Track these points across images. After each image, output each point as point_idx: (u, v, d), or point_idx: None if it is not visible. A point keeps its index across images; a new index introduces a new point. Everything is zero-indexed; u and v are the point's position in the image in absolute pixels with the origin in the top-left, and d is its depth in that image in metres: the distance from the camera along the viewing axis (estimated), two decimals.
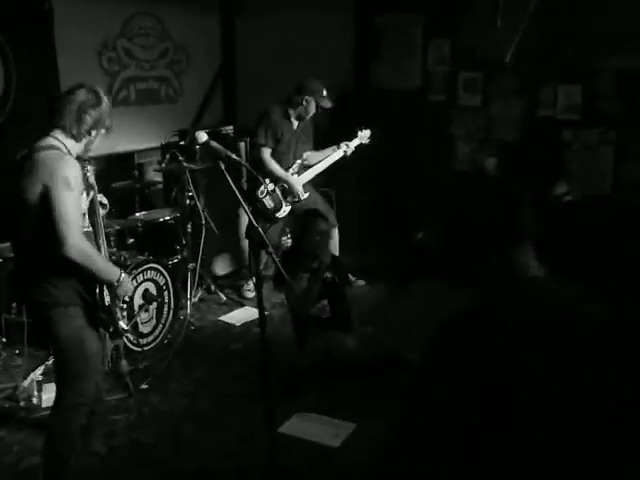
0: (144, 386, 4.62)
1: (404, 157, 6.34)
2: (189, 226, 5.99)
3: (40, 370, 4.58)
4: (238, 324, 5.73)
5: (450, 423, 3.93)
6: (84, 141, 3.26)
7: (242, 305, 6.12)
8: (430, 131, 7.06)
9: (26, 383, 4.46)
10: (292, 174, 5.94)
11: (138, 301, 4.97)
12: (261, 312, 3.20)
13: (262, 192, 5.84)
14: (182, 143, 6.37)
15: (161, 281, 5.19)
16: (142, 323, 5.06)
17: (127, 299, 3.57)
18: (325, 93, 5.83)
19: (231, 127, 6.82)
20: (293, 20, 7.50)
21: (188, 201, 5.93)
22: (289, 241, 6.58)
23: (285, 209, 5.94)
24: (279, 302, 5.99)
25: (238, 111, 8.30)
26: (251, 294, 6.15)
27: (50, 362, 4.65)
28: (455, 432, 3.82)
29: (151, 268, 5.09)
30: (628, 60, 5.95)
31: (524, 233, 3.90)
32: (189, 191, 5.89)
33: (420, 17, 7.13)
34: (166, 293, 5.26)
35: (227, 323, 5.78)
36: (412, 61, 7.27)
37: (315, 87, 5.81)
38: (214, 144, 3.31)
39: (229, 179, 3.20)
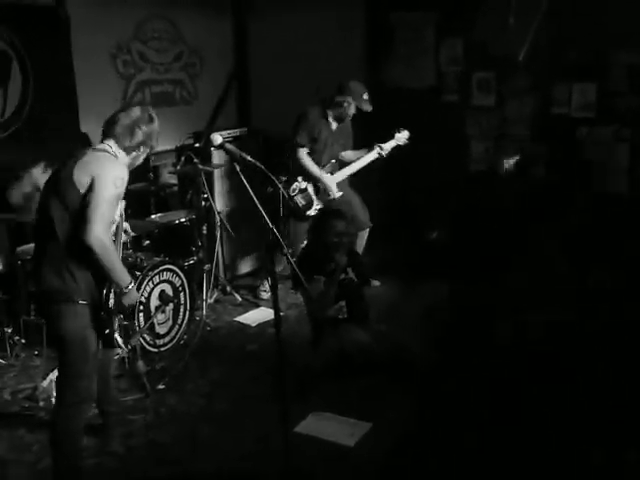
0: (161, 386, 4.66)
1: (417, 157, 6.34)
2: (204, 228, 6.03)
3: None
4: (254, 325, 5.76)
5: (460, 418, 3.97)
6: (132, 155, 3.47)
7: (257, 306, 6.15)
8: (443, 131, 7.07)
9: (45, 383, 4.50)
10: (326, 173, 5.94)
11: (155, 302, 5.01)
12: (277, 313, 3.23)
13: (294, 190, 5.84)
14: (197, 145, 6.40)
15: (177, 282, 5.23)
16: (159, 324, 5.10)
17: (127, 313, 3.67)
18: (367, 96, 5.82)
19: (245, 129, 6.83)
20: (305, 20, 7.52)
21: (203, 203, 5.96)
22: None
23: (316, 208, 5.92)
24: (295, 303, 6.02)
25: (252, 113, 8.33)
26: (266, 295, 6.16)
27: None
28: (464, 427, 3.86)
29: (167, 270, 5.13)
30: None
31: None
32: (204, 193, 5.93)
33: (432, 15, 7.14)
34: (182, 294, 5.29)
35: (243, 324, 5.81)
36: (424, 60, 7.28)
37: (357, 89, 5.81)
38: (229, 146, 3.34)
39: (244, 181, 3.23)
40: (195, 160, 5.75)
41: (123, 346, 3.73)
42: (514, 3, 6.06)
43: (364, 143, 6.24)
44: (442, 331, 5.19)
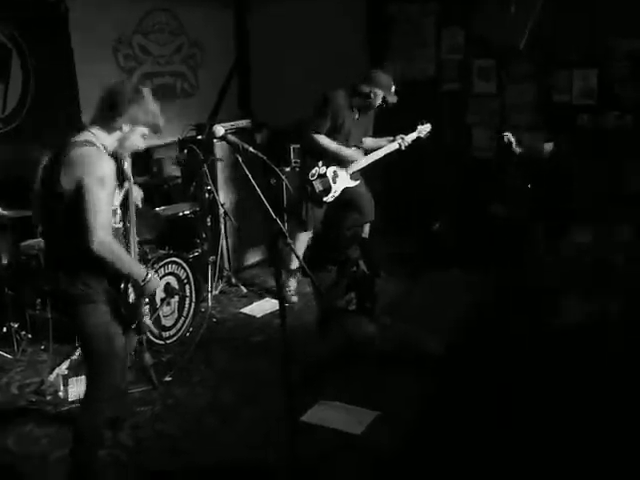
0: (167, 378, 4.67)
1: (419, 146, 6.32)
2: (208, 220, 6.03)
3: (65, 365, 4.65)
4: (259, 316, 5.77)
5: (468, 407, 3.97)
6: (116, 135, 3.24)
7: (262, 297, 6.16)
8: (445, 119, 7.07)
9: (52, 378, 4.53)
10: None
11: (160, 295, 5.02)
12: (281, 303, 3.23)
13: (313, 175, 5.74)
14: (199, 137, 6.39)
15: (182, 275, 5.24)
16: (164, 316, 5.11)
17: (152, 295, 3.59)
18: (394, 88, 5.66)
19: (247, 120, 6.83)
20: (305, 11, 7.52)
21: (207, 195, 5.97)
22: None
23: (334, 194, 5.83)
24: (301, 292, 6.04)
25: (253, 104, 8.33)
26: (295, 298, 6.01)
27: (75, 357, 4.73)
28: (473, 415, 3.86)
29: (172, 262, 5.14)
30: None
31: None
32: (208, 185, 5.93)
33: (433, 5, 7.13)
34: (187, 286, 5.31)
35: (248, 315, 5.82)
36: (425, 49, 7.28)
37: (386, 81, 5.63)
38: (231, 137, 3.33)
39: (247, 172, 3.23)
40: (198, 152, 5.75)
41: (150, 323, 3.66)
42: None
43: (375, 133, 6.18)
44: (456, 321, 5.18)
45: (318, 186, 5.77)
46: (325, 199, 5.82)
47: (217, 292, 6.13)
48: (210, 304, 5.73)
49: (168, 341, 5.10)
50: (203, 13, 7.68)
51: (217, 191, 6.05)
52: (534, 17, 6.32)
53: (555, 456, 3.65)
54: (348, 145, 5.80)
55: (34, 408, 4.37)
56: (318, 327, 5.03)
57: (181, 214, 5.87)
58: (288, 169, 6.52)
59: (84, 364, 3.52)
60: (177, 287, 5.19)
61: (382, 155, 5.98)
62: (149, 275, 3.32)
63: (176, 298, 5.19)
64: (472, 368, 4.55)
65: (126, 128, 3.23)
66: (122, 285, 3.31)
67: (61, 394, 4.47)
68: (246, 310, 5.92)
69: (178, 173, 6.76)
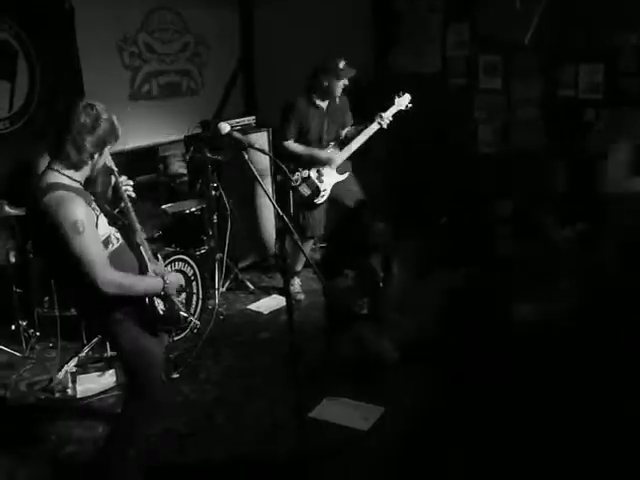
0: (175, 375, 4.69)
1: (425, 141, 6.32)
2: (215, 217, 6.04)
3: (74, 362, 4.68)
4: (266, 312, 5.79)
5: (474, 403, 3.98)
6: (86, 168, 3.12)
7: (269, 294, 6.18)
8: (451, 115, 7.07)
9: (60, 375, 4.56)
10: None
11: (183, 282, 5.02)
12: (288, 300, 3.24)
13: (296, 180, 5.67)
14: (205, 134, 6.40)
15: (189, 272, 5.25)
16: None
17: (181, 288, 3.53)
18: (342, 64, 5.50)
19: (253, 117, 6.83)
20: (310, 8, 7.51)
21: (213, 192, 5.98)
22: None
23: (324, 194, 5.77)
24: (308, 290, 6.06)
25: (259, 101, 8.34)
26: (301, 295, 6.02)
27: (83, 354, 4.77)
28: (479, 412, 3.86)
29: (179, 259, 5.15)
30: None
31: None
32: (214, 182, 5.94)
33: (439, 1, 7.12)
34: (194, 283, 5.32)
35: (255, 312, 5.84)
36: (431, 45, 7.27)
37: (328, 64, 5.52)
38: (237, 135, 3.34)
39: (253, 169, 3.24)
40: (204, 149, 5.76)
41: (194, 319, 3.60)
42: None
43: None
44: (460, 317, 5.16)
45: (305, 190, 5.72)
46: (316, 201, 5.77)
47: (224, 289, 6.14)
48: (217, 301, 5.74)
49: (175, 338, 5.10)
50: (208, 11, 7.69)
51: (223, 188, 6.05)
52: (539, 12, 6.30)
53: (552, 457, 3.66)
54: (323, 142, 5.75)
55: (43, 405, 4.40)
56: (327, 325, 4.99)
57: (188, 211, 5.88)
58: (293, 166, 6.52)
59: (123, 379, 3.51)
60: (184, 284, 5.19)
61: (364, 140, 5.79)
62: (165, 280, 3.24)
63: (183, 295, 5.19)
64: (477, 365, 4.55)
65: (96, 156, 3.12)
66: (147, 301, 3.22)
67: (70, 391, 4.50)
68: (253, 307, 5.93)
69: (184, 170, 6.77)
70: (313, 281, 6.04)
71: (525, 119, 6.80)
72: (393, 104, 5.79)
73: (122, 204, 3.42)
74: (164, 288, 3.22)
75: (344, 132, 5.93)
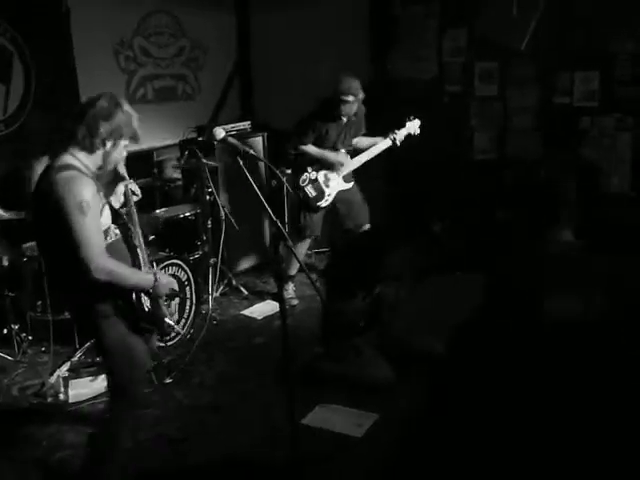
0: (168, 380, 4.67)
1: (421, 147, 6.31)
2: (209, 222, 6.03)
3: (66, 367, 4.66)
4: (260, 318, 5.77)
5: (469, 409, 3.96)
6: (99, 153, 3.14)
7: (263, 299, 6.16)
8: (447, 121, 7.07)
9: (52, 380, 4.53)
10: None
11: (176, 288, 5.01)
12: (282, 305, 3.23)
13: (304, 180, 5.73)
14: (200, 139, 6.39)
15: (183, 277, 5.24)
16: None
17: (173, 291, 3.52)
18: (357, 86, 5.56)
19: (248, 122, 6.83)
20: (308, 13, 7.52)
21: (208, 197, 5.97)
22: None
23: (327, 198, 5.82)
24: (302, 296, 6.06)
25: (255, 106, 8.34)
26: (295, 301, 6.04)
27: (76, 358, 4.74)
28: (473, 418, 3.85)
29: (173, 264, 5.14)
30: None
31: None
32: (208, 187, 5.93)
33: (436, 7, 7.14)
34: (188, 288, 5.31)
35: (249, 317, 5.82)
36: (428, 51, 7.28)
37: (354, 84, 5.56)
38: (232, 140, 3.32)
39: (248, 175, 3.22)
40: (199, 154, 5.75)
41: (178, 328, 3.59)
42: None
43: (370, 132, 6.12)
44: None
45: (311, 192, 5.76)
46: (319, 204, 5.82)
47: (218, 294, 6.12)
48: (211, 306, 5.72)
49: (169, 343, 5.08)
50: (204, 15, 7.68)
51: (218, 193, 6.05)
52: (536, 19, 6.32)
53: (559, 459, 3.65)
54: (337, 150, 5.80)
55: (35, 410, 4.37)
56: (321, 335, 4.93)
57: (182, 216, 5.86)
58: (289, 171, 6.51)
59: (107, 377, 3.49)
60: (178, 289, 5.17)
61: (375, 153, 5.93)
62: (157, 277, 3.24)
63: (177, 300, 5.18)
64: (472, 370, 4.54)
65: (108, 144, 3.14)
66: (133, 296, 3.22)
67: (62, 396, 4.48)
68: (247, 312, 5.92)
69: (179, 175, 6.76)
70: (307, 287, 6.03)
71: (521, 127, 6.81)
72: (404, 126, 5.95)
73: (128, 206, 3.43)
74: (154, 286, 3.21)
75: (355, 140, 5.99)
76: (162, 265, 5.00)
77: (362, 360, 4.59)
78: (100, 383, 4.56)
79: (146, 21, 7.13)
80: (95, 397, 4.47)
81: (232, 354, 5.14)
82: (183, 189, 6.59)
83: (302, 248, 6.04)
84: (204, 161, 5.79)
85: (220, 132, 3.33)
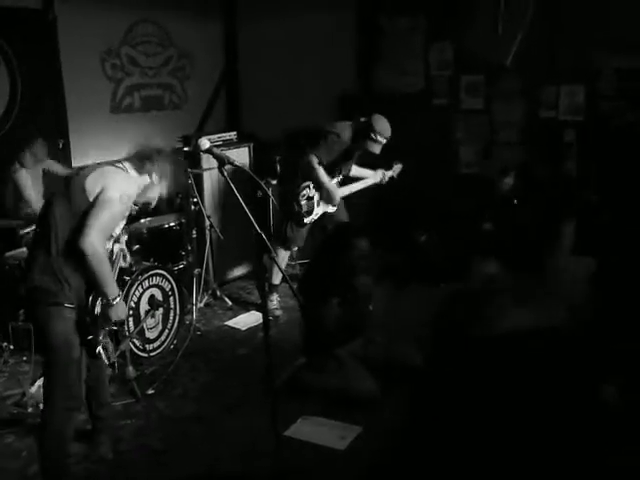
0: (150, 391, 4.64)
1: (407, 160, 6.33)
2: (194, 232, 6.02)
3: None
4: (244, 329, 5.76)
5: (452, 424, 3.95)
6: (145, 179, 3.49)
7: (247, 310, 6.15)
8: (433, 134, 7.10)
9: (33, 389, 4.48)
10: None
11: (144, 307, 5.00)
12: (265, 317, 3.22)
13: (303, 195, 5.77)
14: (186, 149, 6.38)
15: (167, 287, 5.21)
16: (148, 329, 5.08)
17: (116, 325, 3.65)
18: (389, 133, 5.63)
19: (234, 133, 6.82)
20: (295, 24, 7.55)
21: (193, 207, 5.96)
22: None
23: (313, 217, 5.90)
24: (286, 307, 6.05)
25: (242, 116, 8.34)
26: (279, 312, 6.04)
27: None
28: (456, 432, 3.84)
29: (157, 274, 5.11)
30: (628, 60, 5.99)
31: None
32: (194, 197, 5.92)
33: (422, 20, 7.17)
34: (172, 299, 5.28)
35: (233, 328, 5.81)
36: (414, 64, 7.31)
37: (384, 127, 5.61)
38: (217, 151, 3.31)
39: (232, 185, 3.21)
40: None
41: (107, 361, 3.67)
42: (502, 9, 6.07)
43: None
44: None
45: (304, 206, 5.78)
46: (306, 220, 5.87)
47: (202, 304, 6.10)
48: (195, 316, 5.70)
49: (152, 353, 5.07)
50: (191, 25, 7.70)
51: (203, 203, 6.04)
52: (522, 33, 6.35)
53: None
54: (336, 172, 5.86)
55: (15, 420, 4.33)
56: (303, 345, 4.90)
57: (166, 226, 5.85)
58: (275, 182, 6.50)
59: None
60: (161, 299, 5.16)
61: (361, 188, 6.07)
62: (119, 298, 3.39)
63: (160, 310, 5.16)
64: (450, 381, 4.53)
65: (155, 177, 3.51)
66: (92, 295, 3.38)
67: (42, 406, 4.42)
68: (231, 323, 5.90)
69: None
70: (291, 297, 6.02)
71: (507, 140, 6.84)
72: (391, 168, 6.20)
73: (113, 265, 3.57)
74: (115, 299, 3.36)
75: (350, 169, 6.06)
76: (146, 275, 4.98)
77: (344, 372, 4.54)
78: None
79: (133, 30, 7.13)
80: None
81: (216, 365, 5.11)
82: (168, 199, 6.56)
83: (284, 256, 6.08)
84: (189, 170, 5.78)
85: (205, 142, 3.31)
